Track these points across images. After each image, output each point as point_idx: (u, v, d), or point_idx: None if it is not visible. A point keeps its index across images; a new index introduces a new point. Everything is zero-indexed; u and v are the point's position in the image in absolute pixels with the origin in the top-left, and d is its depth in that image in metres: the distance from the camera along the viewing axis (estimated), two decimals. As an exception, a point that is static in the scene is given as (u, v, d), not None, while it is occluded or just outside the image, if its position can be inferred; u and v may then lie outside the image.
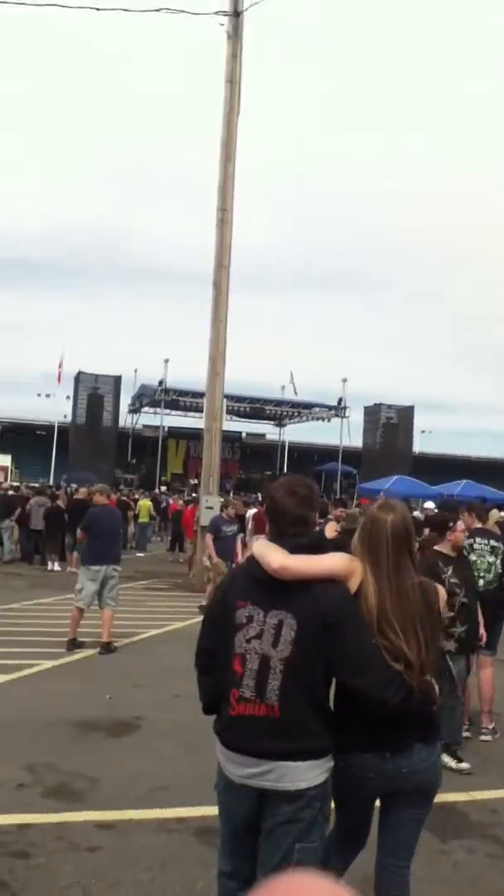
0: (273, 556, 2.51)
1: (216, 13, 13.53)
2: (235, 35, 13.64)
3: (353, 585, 2.54)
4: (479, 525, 6.49)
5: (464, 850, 4.16)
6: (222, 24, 13.57)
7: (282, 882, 0.78)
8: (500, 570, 6.14)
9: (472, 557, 6.15)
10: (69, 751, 5.28)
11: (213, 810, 3.98)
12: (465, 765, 5.26)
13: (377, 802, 2.76)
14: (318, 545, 2.68)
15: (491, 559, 6.15)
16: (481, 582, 6.07)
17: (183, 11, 13.09)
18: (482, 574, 6.11)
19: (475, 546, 6.19)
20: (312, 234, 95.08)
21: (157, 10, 13.12)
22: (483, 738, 6.05)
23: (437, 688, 2.58)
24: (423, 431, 48.82)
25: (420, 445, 47.75)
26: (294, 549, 2.54)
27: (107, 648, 8.25)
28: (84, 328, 76.68)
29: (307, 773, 2.44)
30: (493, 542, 6.21)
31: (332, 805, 2.65)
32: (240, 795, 2.55)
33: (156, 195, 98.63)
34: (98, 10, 12.95)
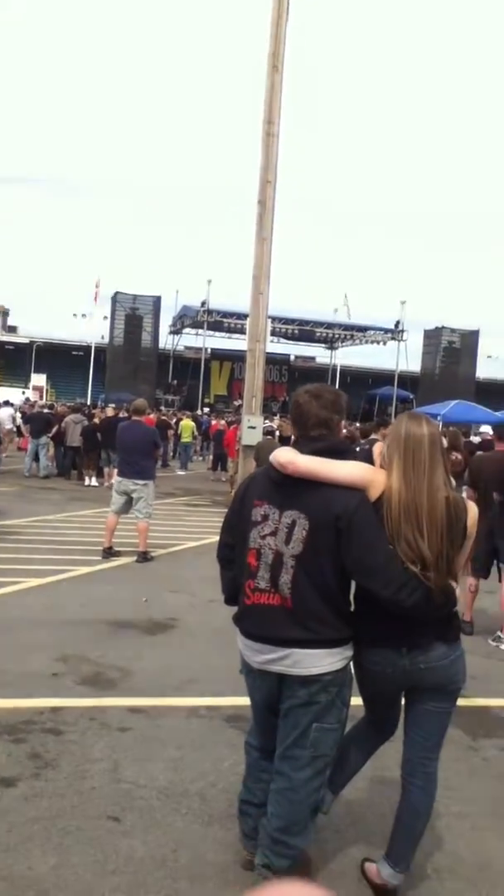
0: (283, 454, 2.67)
1: None
2: None
3: (372, 495, 2.64)
4: None
5: (495, 749, 4.36)
6: None
7: (272, 891, 0.78)
8: None
9: None
10: (104, 645, 5.62)
11: (242, 700, 4.26)
12: None
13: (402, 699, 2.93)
14: (339, 450, 2.78)
15: None
16: None
17: None
18: None
19: None
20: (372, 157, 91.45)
21: None
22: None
23: (456, 590, 2.70)
24: (489, 356, 47.89)
25: (485, 371, 46.94)
26: (312, 453, 2.66)
27: (143, 557, 8.63)
28: (123, 247, 76.29)
29: (322, 660, 2.63)
30: None
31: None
32: (260, 680, 2.79)
33: (202, 110, 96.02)
34: None
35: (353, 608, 2.76)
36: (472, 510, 2.76)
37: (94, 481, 15.91)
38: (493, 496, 6.47)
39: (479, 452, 10.32)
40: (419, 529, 2.59)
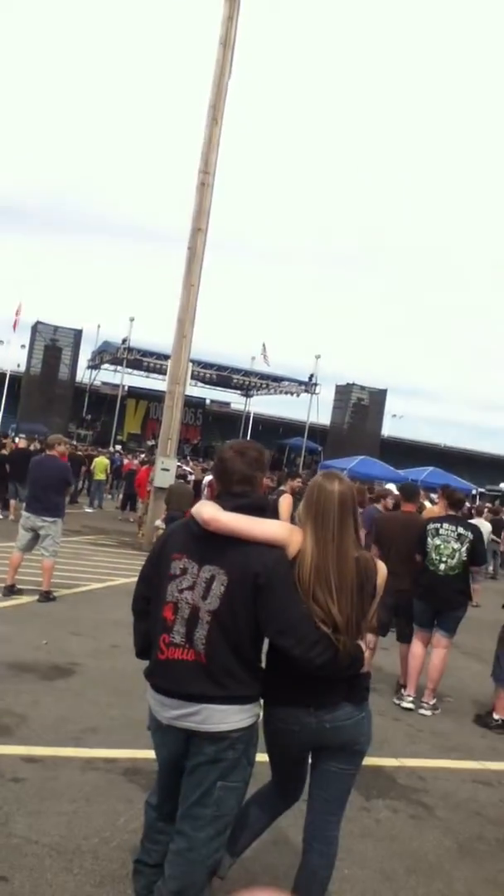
0: (206, 510, 2.69)
1: None
2: None
3: (290, 553, 2.70)
4: (452, 512, 6.79)
5: (387, 810, 4.41)
6: None
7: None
8: (464, 558, 6.43)
9: (437, 542, 6.47)
10: (0, 689, 5.42)
11: (141, 753, 4.21)
12: None
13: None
14: (261, 507, 2.83)
15: (455, 545, 6.43)
16: (442, 567, 6.43)
17: None
18: (444, 559, 6.43)
19: (440, 531, 6.50)
20: (302, 211, 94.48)
21: None
22: (422, 711, 6.38)
23: (365, 652, 2.76)
24: (394, 415, 49.65)
25: (390, 429, 48.58)
26: (234, 508, 2.70)
27: (46, 597, 8.39)
28: (46, 278, 75.50)
29: (231, 717, 2.63)
30: (460, 530, 6.50)
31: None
32: (168, 736, 2.75)
33: (138, 151, 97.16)
34: None
35: (263, 665, 2.78)
36: (382, 569, 2.83)
37: (-3, 513, 15.40)
38: (416, 558, 6.63)
39: (375, 505, 10.64)
40: (329, 591, 2.64)
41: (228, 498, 2.77)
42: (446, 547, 6.46)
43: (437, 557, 6.46)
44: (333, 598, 2.63)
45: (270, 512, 3.01)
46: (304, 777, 2.98)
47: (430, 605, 6.54)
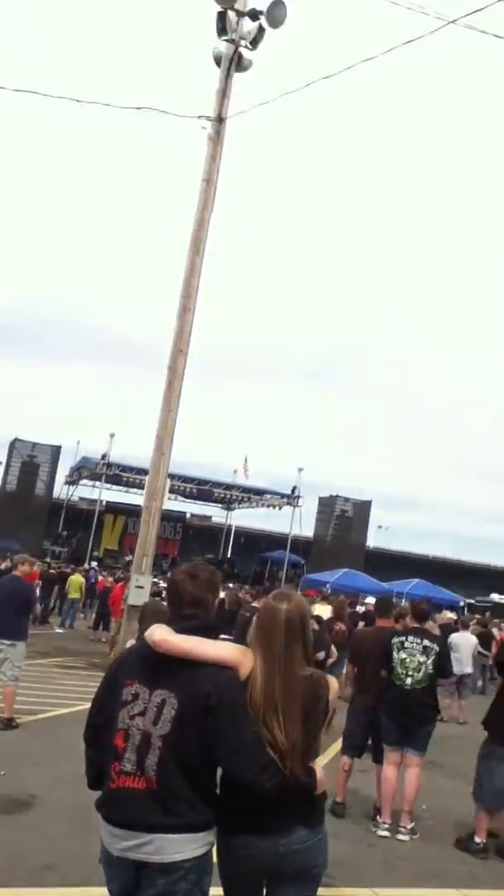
0: (157, 632, 2.73)
1: (200, 117, 14.52)
2: (217, 138, 14.70)
3: (242, 674, 2.71)
4: (416, 625, 6.80)
5: None
6: (205, 128, 14.59)
7: None
8: (430, 671, 6.39)
9: (402, 655, 6.44)
10: (-49, 825, 5.18)
11: (97, 891, 4.02)
12: None
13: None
14: (211, 628, 2.88)
15: (421, 658, 6.41)
16: (409, 681, 6.37)
17: (166, 112, 14.01)
18: (410, 673, 6.39)
19: (406, 644, 6.48)
20: (286, 323, 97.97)
21: (139, 108, 14.05)
22: (400, 836, 6.13)
23: (317, 775, 2.72)
24: (379, 526, 49.60)
25: (375, 540, 48.42)
26: (184, 630, 2.75)
27: (7, 724, 8.10)
28: (27, 396, 76.68)
29: (183, 846, 2.56)
30: (426, 643, 6.50)
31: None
32: (119, 869, 2.66)
33: (123, 272, 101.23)
34: (79, 101, 13.68)
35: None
36: (333, 684, 2.81)
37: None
38: (381, 673, 6.57)
39: (361, 624, 10.56)
40: (276, 714, 2.63)
41: (179, 620, 2.81)
42: (412, 660, 6.41)
43: (404, 671, 6.39)
44: (280, 722, 2.61)
45: (240, 629, 3.05)
46: None
47: (398, 721, 6.42)
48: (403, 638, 6.54)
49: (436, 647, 6.49)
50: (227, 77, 14.78)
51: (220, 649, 2.73)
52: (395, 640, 6.53)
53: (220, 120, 14.66)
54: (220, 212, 15.00)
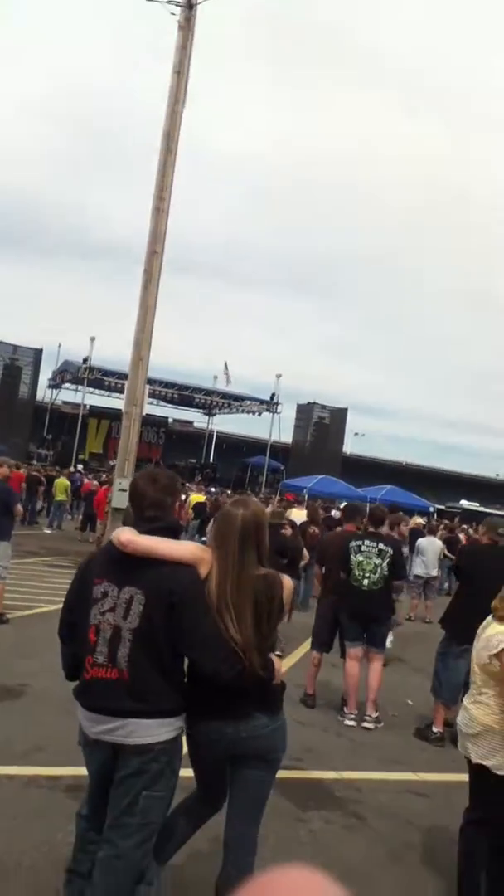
0: (123, 533, 2.93)
1: (169, 2, 13.68)
2: (187, 26, 13.85)
3: (202, 572, 2.93)
4: (372, 529, 7.09)
5: (321, 821, 4.60)
6: (174, 14, 13.75)
7: (273, 879, 0.72)
8: (385, 573, 6.71)
9: (359, 558, 6.75)
10: None
11: (84, 770, 4.36)
12: None
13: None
14: (174, 529, 3.11)
15: (377, 561, 6.72)
16: (365, 582, 6.73)
17: None
18: (367, 574, 6.72)
19: (363, 548, 6.78)
20: (262, 231, 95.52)
21: None
22: (365, 724, 6.61)
23: (274, 665, 2.97)
24: (356, 434, 50.28)
25: (352, 447, 49.13)
26: (149, 531, 2.94)
27: (-2, 619, 8.46)
28: (6, 296, 75.09)
29: (155, 731, 2.84)
30: (381, 546, 6.79)
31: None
32: (96, 750, 2.95)
33: (99, 169, 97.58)
34: None
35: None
36: (287, 583, 3.05)
37: None
38: (339, 574, 6.90)
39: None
40: (228, 611, 2.87)
41: (143, 522, 3.00)
42: (368, 563, 6.73)
43: (360, 573, 6.73)
44: (233, 618, 2.85)
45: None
46: (225, 787, 3.16)
47: (358, 621, 6.80)
48: (360, 542, 6.84)
49: (390, 550, 6.81)
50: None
51: (181, 549, 2.95)
52: (353, 543, 6.84)
53: (189, 6, 13.89)
54: (196, 104, 14.37)
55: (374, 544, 6.80)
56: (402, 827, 4.70)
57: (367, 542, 6.83)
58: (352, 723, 6.63)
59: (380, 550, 6.76)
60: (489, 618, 3.76)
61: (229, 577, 2.91)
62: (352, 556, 6.77)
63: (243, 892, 0.70)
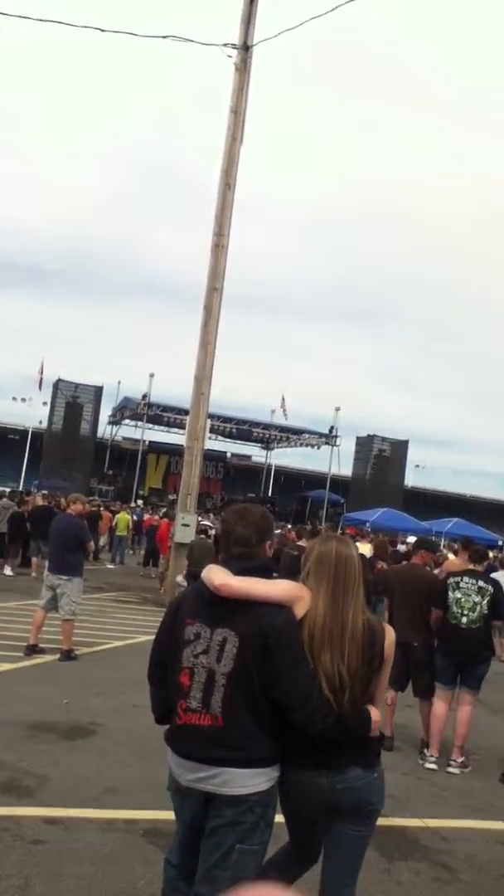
0: (216, 575, 2.80)
1: (225, 45, 13.92)
2: (244, 67, 14.10)
3: (298, 612, 2.79)
4: (472, 565, 6.87)
5: (409, 872, 4.36)
6: (230, 56, 13.99)
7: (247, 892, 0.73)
8: (485, 611, 6.45)
9: (458, 595, 6.51)
10: (21, 749, 5.44)
11: (161, 814, 4.23)
12: None
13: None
14: (267, 569, 2.95)
15: (476, 599, 6.47)
16: (464, 620, 6.46)
17: (191, 41, 13.43)
18: (465, 612, 6.46)
19: (461, 585, 6.55)
20: (318, 265, 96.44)
21: (164, 37, 13.50)
22: (450, 769, 6.31)
23: (372, 717, 2.80)
24: (416, 466, 49.53)
25: (413, 479, 48.39)
26: (240, 572, 2.81)
27: (67, 655, 8.43)
28: (68, 336, 77.15)
29: (250, 780, 2.69)
30: (481, 583, 6.55)
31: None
32: (188, 798, 2.81)
33: (158, 210, 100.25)
34: (102, 30, 13.16)
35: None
36: (390, 633, 2.89)
37: (7, 570, 15.39)
38: (434, 613, 6.64)
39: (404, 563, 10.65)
40: (340, 651, 2.72)
41: (234, 562, 2.88)
42: (467, 600, 6.48)
43: (459, 611, 6.48)
44: (345, 656, 2.71)
45: (286, 567, 3.12)
46: (319, 842, 3.00)
47: (453, 661, 6.52)
48: (459, 578, 6.61)
49: (490, 588, 6.55)
50: (251, 2, 14.17)
51: (276, 589, 2.80)
52: (451, 580, 6.62)
53: (245, 48, 14.11)
54: (250, 143, 14.56)
55: (474, 581, 6.56)
56: (496, 882, 4.42)
57: (466, 578, 6.60)
58: (433, 766, 6.34)
59: (479, 588, 6.52)
60: None
61: (338, 618, 2.78)
62: (450, 593, 6.55)
63: None
